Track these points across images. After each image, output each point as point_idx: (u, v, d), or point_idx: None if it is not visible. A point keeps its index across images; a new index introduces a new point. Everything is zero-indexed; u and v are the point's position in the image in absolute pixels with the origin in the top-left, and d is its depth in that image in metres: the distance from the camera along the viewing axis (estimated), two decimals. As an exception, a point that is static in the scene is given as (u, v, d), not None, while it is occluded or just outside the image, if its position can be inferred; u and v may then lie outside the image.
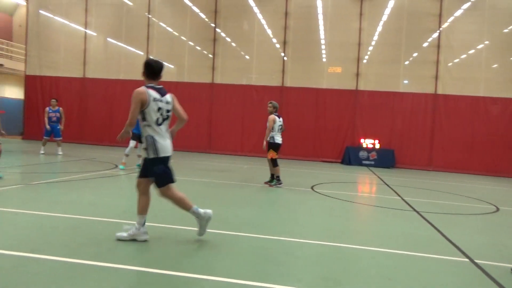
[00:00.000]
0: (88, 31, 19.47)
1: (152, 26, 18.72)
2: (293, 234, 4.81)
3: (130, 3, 19.25)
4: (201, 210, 4.32)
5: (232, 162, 14.14)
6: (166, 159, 4.24)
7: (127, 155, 10.21)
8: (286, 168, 13.15)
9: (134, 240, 4.15)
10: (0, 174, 7.34)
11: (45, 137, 12.91)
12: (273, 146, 8.79)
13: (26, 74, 20.08)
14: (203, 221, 4.31)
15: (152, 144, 4.12)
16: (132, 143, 10.20)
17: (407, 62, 17.16)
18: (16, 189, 6.99)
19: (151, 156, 4.14)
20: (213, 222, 5.18)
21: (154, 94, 4.18)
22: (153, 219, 4.86)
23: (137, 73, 18.41)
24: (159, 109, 4.18)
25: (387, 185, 10.51)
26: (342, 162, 16.69)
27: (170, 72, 19.35)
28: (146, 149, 4.18)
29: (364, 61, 17.19)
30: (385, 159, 16.22)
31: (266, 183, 8.98)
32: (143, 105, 4.09)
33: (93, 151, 15.29)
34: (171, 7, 18.97)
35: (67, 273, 3.21)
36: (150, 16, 18.65)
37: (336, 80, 17.40)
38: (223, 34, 18.33)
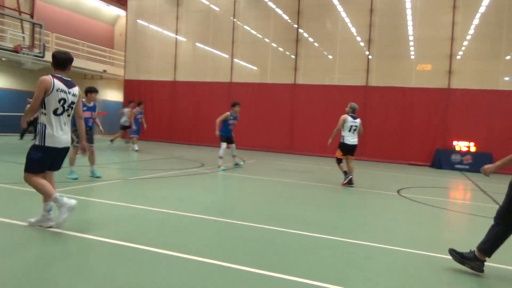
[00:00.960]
0: (179, 37, 20.74)
1: (237, 29, 19.33)
2: (376, 240, 4.64)
3: (217, 9, 20.08)
4: (65, 198, 4.14)
5: (313, 163, 14.04)
6: (52, 150, 4.24)
7: (221, 157, 10.55)
8: (369, 171, 12.71)
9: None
10: (98, 173, 7.93)
11: (135, 135, 14.49)
12: (341, 146, 8.79)
13: (125, 78, 22.03)
14: (63, 208, 4.07)
15: (41, 132, 4.18)
16: (223, 144, 10.58)
17: (508, 57, 15.55)
18: (115, 184, 7.71)
19: (36, 142, 4.20)
20: (295, 223, 5.22)
21: (59, 84, 4.22)
22: (235, 216, 5.00)
23: (223, 76, 19.25)
24: (61, 99, 4.23)
25: (484, 192, 9.63)
26: (432, 166, 15.65)
27: (253, 73, 19.83)
28: (36, 135, 4.24)
29: (458, 57, 15.94)
30: (481, 164, 14.63)
31: (344, 184, 8.86)
32: (46, 92, 4.14)
33: (181, 150, 16.23)
34: (255, 10, 19.40)
35: (155, 262, 3.46)
36: (235, 20, 19.27)
37: (426, 78, 16.38)
38: (305, 35, 18.28)
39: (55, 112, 4.23)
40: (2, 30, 16.54)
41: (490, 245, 3.61)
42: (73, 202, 4.14)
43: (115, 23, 28.64)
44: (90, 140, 7.79)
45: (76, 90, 4.42)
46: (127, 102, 21.42)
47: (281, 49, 18.99)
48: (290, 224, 5.13)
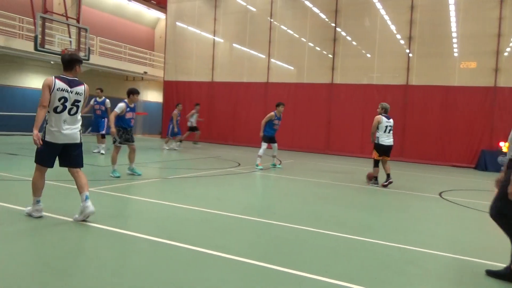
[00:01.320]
0: (216, 38, 21.05)
1: (274, 29, 19.36)
2: (416, 243, 4.53)
3: (254, 9, 20.21)
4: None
5: (351, 164, 13.84)
6: (52, 145, 4.53)
7: (260, 157, 10.66)
8: (409, 172, 12.38)
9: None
10: (138, 171, 8.22)
11: (178, 136, 15.10)
12: (377, 147, 8.66)
13: (164, 79, 22.63)
14: (86, 211, 4.50)
15: (44, 128, 4.53)
16: (264, 144, 10.68)
17: None
18: (155, 182, 7.95)
19: (41, 137, 4.47)
20: (331, 224, 5.19)
21: (60, 84, 4.51)
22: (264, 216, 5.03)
23: (259, 76, 19.32)
24: (62, 98, 4.50)
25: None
26: (477, 168, 14.99)
27: (289, 73, 19.80)
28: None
29: (505, 54, 15.19)
30: (531, 166, 14.03)
31: (383, 185, 8.71)
32: (50, 91, 4.47)
33: (218, 149, 16.47)
34: (292, 9, 19.34)
35: (193, 260, 3.56)
36: (272, 20, 19.31)
37: (470, 77, 15.73)
38: (343, 33, 18.04)
39: (55, 110, 4.53)
40: (51, 35, 17.42)
41: None
42: (91, 209, 4.50)
43: (155, 26, 29.45)
44: (131, 139, 8.11)
45: (80, 88, 4.67)
46: (169, 103, 22.04)
47: (318, 48, 18.84)
48: (326, 225, 5.11)
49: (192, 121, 16.28)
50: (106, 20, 25.08)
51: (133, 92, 8.08)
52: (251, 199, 7.05)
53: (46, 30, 16.47)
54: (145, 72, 24.36)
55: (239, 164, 11.50)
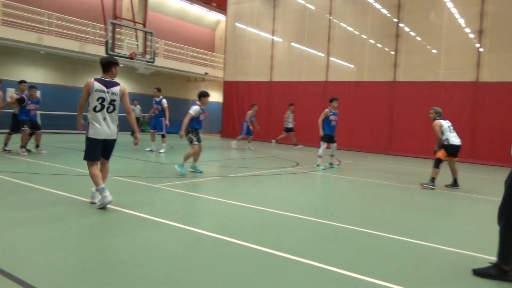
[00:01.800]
0: (275, 38, 21.15)
1: (333, 27, 19.07)
2: (487, 251, 4.26)
3: (312, 8, 20.04)
4: (106, 193, 4.92)
5: (414, 165, 13.28)
6: (95, 141, 5.09)
7: (320, 157, 10.63)
8: (481, 175, 11.65)
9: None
10: (200, 169, 8.58)
11: (250, 136, 15.71)
12: (447, 147, 8.19)
13: (224, 80, 23.17)
14: (101, 199, 4.95)
15: (86, 126, 5.13)
16: (324, 144, 10.61)
17: None
18: (216, 180, 8.20)
19: (86, 134, 5.12)
20: (391, 227, 5.04)
21: (98, 85, 5.02)
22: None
23: (318, 75, 19.11)
24: (100, 98, 5.02)
25: None
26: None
27: (349, 71, 19.38)
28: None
29: None
30: None
31: (446, 186, 8.34)
32: (89, 93, 5.01)
33: (277, 149, 16.55)
34: (352, 6, 18.92)
35: (253, 258, 3.64)
36: (331, 18, 19.03)
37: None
38: (406, 29, 17.32)
39: (94, 109, 5.06)
40: (120, 40, 18.55)
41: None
42: (108, 199, 4.93)
43: (216, 27, 30.23)
44: (200, 139, 8.39)
45: (116, 89, 5.16)
46: (229, 103, 22.55)
47: (379, 45, 18.26)
48: (387, 228, 4.97)
49: (289, 121, 16.53)
50: (170, 23, 26.19)
51: (204, 95, 8.30)
52: (309, 199, 7.04)
53: (116, 35, 17.55)
54: (206, 73, 25.10)
55: (298, 164, 11.49)
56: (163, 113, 12.23)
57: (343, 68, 19.49)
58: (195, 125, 8.21)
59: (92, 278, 3.03)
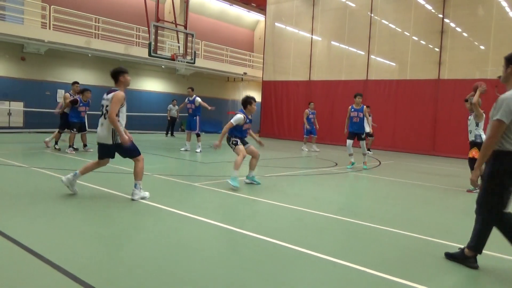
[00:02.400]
0: (314, 37, 20.98)
1: (374, 24, 18.65)
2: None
3: (353, 5, 19.69)
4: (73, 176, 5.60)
5: (459, 166, 12.74)
6: (98, 144, 5.62)
7: (350, 154, 10.53)
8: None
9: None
10: (258, 180, 7.46)
11: (305, 136, 15.48)
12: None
13: (263, 80, 23.25)
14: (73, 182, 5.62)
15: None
16: (349, 141, 10.46)
17: None
18: (254, 180, 8.25)
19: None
20: (436, 231, 4.87)
21: (104, 94, 5.61)
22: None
23: (358, 73, 18.71)
24: (101, 105, 5.55)
25: None
26: None
27: (391, 70, 18.89)
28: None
29: None
30: None
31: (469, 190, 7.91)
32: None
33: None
34: (394, 2, 18.41)
35: (290, 258, 3.66)
36: (372, 15, 18.63)
37: None
38: (452, 24, 16.66)
39: (100, 115, 5.58)
40: (162, 41, 19.07)
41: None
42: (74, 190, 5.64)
43: (255, 27, 30.39)
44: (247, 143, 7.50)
45: (110, 95, 5.46)
46: (267, 102, 22.62)
47: (423, 42, 17.67)
48: (430, 231, 4.81)
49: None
50: (210, 24, 26.61)
51: (250, 101, 7.20)
52: (348, 200, 6.95)
53: (158, 37, 18.05)
54: (245, 73, 25.28)
55: (336, 164, 11.36)
56: (197, 112, 12.41)
57: (384, 66, 19.02)
58: (237, 133, 7.11)
59: (132, 274, 3.17)
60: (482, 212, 3.56)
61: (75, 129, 10.67)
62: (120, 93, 5.40)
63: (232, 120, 6.98)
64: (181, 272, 3.22)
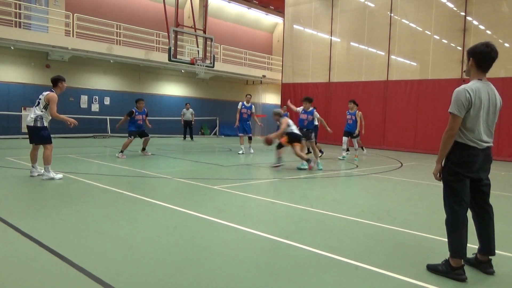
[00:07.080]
0: (333, 38, 20.84)
1: (394, 24, 18.40)
2: None
3: (372, 5, 19.48)
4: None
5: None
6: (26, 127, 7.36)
7: (344, 149, 12.93)
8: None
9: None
10: (320, 166, 10.31)
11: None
12: None
13: (282, 82, 23.22)
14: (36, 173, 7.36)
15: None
16: (344, 138, 12.99)
17: None
18: (273, 182, 8.25)
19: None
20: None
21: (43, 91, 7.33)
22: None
23: (378, 74, 18.46)
24: (38, 98, 7.22)
25: None
26: None
27: (412, 70, 18.58)
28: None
29: None
30: None
31: None
32: None
33: (336, 150, 16.28)
34: (415, 1, 18.10)
35: (309, 261, 3.63)
36: (392, 14, 18.39)
37: None
38: (475, 22, 16.27)
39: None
40: (181, 46, 19.30)
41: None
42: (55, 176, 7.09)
43: (274, 30, 30.41)
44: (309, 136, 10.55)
45: (45, 93, 7.20)
46: (284, 104, 22.56)
47: (444, 41, 17.32)
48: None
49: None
50: (228, 28, 26.78)
51: (309, 100, 10.98)
52: (370, 202, 6.85)
53: (178, 42, 18.27)
54: (264, 76, 25.30)
55: (357, 166, 11.23)
56: (250, 117, 13.99)
57: (405, 66, 18.72)
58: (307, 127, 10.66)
59: (157, 275, 3.21)
60: (446, 210, 3.52)
61: (132, 136, 11.48)
62: (54, 95, 7.16)
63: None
64: (202, 275, 3.23)
